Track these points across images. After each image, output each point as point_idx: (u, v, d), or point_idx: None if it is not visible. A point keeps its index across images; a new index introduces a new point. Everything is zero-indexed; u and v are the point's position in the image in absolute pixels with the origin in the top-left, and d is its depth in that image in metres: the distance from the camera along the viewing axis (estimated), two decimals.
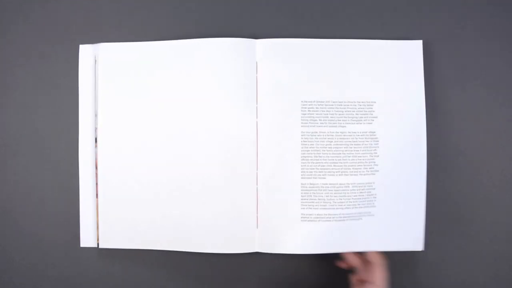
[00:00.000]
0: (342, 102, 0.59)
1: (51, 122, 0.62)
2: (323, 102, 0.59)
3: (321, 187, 0.59)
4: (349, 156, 0.59)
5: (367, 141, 0.59)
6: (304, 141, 0.59)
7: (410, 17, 0.61)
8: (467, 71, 0.61)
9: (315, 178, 0.59)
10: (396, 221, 0.59)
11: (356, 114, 0.59)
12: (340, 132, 0.59)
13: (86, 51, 0.61)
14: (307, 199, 0.59)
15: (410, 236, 0.59)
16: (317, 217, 0.58)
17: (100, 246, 0.60)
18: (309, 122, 0.59)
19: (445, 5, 0.61)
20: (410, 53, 0.59)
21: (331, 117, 0.59)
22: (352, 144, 0.59)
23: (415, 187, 0.59)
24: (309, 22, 0.61)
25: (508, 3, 0.61)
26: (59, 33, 0.62)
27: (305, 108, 0.59)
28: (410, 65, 0.59)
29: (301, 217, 0.58)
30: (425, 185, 0.59)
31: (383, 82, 0.59)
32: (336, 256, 0.60)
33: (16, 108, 0.62)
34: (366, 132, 0.59)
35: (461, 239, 0.61)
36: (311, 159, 0.59)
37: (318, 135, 0.59)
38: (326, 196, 0.59)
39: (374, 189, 0.59)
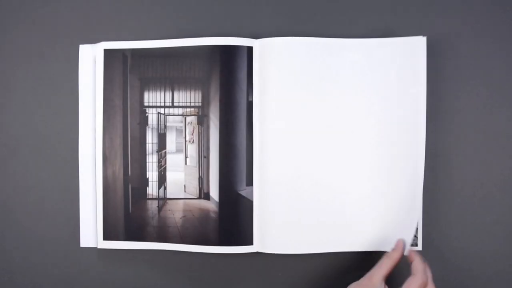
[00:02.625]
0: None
1: (51, 122, 0.62)
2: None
3: None
4: None
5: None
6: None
7: (413, 14, 0.61)
8: (467, 71, 0.61)
9: None
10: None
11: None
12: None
13: (86, 51, 0.61)
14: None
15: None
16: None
17: (99, 247, 0.60)
18: None
19: (446, 4, 0.61)
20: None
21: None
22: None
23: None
24: (309, 20, 0.61)
25: (507, 3, 0.61)
26: (59, 33, 0.62)
27: None
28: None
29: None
30: (422, 183, 0.59)
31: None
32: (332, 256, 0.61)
33: (16, 108, 0.62)
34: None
35: (460, 239, 0.61)
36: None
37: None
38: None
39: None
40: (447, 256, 0.61)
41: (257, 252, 0.59)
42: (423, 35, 0.59)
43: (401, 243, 0.57)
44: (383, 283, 0.53)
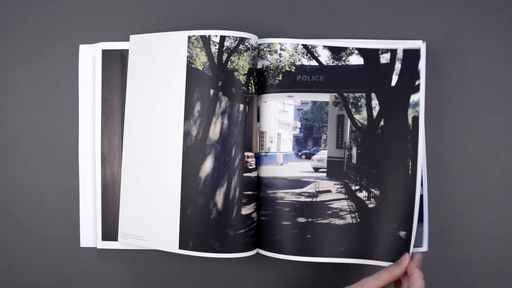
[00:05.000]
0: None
1: (51, 122, 0.62)
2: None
3: None
4: None
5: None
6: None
7: (411, 17, 0.61)
8: (467, 71, 0.61)
9: None
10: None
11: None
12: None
13: (86, 51, 0.61)
14: None
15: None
16: None
17: (98, 247, 0.60)
18: None
19: (446, 5, 0.61)
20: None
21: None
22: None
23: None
24: (309, 22, 0.61)
25: (507, 3, 0.61)
26: (59, 33, 0.62)
27: None
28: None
29: None
30: (421, 185, 0.59)
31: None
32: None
33: (16, 108, 0.62)
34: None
35: (461, 239, 0.61)
36: None
37: None
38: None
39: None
40: (447, 256, 0.61)
41: (257, 253, 0.59)
42: (424, 36, 0.59)
43: (406, 259, 0.53)
44: None
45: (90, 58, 0.61)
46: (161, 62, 0.58)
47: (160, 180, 0.58)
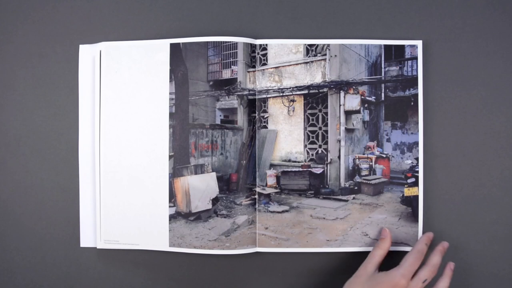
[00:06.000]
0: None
1: (51, 122, 0.62)
2: None
3: None
4: None
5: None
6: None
7: (410, 17, 0.61)
8: (467, 71, 0.61)
9: None
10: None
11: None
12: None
13: (86, 51, 0.61)
14: None
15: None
16: None
17: (98, 247, 0.60)
18: None
19: (445, 5, 0.61)
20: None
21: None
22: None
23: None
24: (309, 22, 0.61)
25: (507, 4, 0.61)
26: (59, 33, 0.62)
27: None
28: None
29: None
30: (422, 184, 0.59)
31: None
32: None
33: (16, 108, 0.62)
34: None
35: (460, 239, 0.61)
36: None
37: None
38: None
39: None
40: (447, 256, 0.61)
41: (257, 252, 0.59)
42: (423, 36, 0.59)
43: (386, 232, 0.58)
44: (376, 270, 0.56)
45: (90, 58, 0.61)
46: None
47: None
